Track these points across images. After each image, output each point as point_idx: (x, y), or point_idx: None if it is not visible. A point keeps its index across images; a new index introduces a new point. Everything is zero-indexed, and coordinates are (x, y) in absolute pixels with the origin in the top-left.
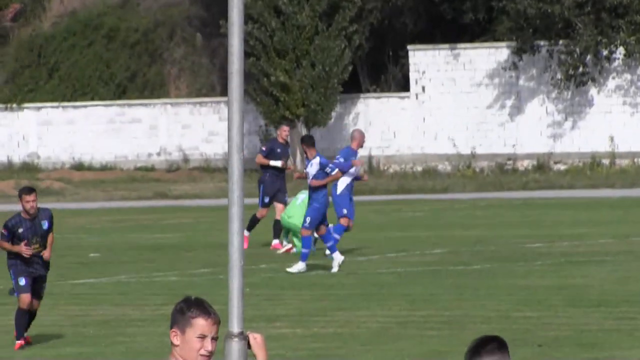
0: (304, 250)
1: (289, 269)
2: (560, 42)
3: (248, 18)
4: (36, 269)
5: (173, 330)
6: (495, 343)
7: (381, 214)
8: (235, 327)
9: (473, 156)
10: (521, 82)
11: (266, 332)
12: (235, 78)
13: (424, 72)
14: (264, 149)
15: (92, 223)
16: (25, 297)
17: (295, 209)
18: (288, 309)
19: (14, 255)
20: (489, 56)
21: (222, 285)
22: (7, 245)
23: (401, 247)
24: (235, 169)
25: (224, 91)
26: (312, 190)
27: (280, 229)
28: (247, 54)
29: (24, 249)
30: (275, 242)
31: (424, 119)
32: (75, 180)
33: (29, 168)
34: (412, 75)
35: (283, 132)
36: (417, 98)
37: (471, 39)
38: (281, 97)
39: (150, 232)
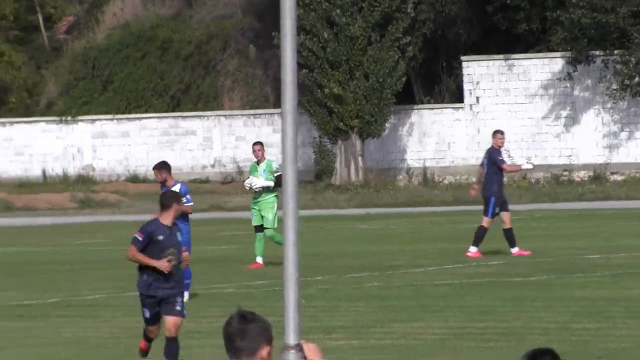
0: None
1: None
2: (616, 52)
3: (301, 29)
4: (171, 286)
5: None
6: (548, 356)
7: (437, 225)
8: (291, 339)
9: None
10: (576, 92)
11: (323, 343)
12: (289, 89)
13: (478, 83)
14: None
15: None
16: (151, 330)
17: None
18: (344, 320)
19: (148, 271)
20: (543, 66)
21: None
22: (143, 257)
23: (457, 258)
24: (289, 181)
25: (278, 103)
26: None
27: (513, 237)
28: (300, 66)
29: (165, 265)
30: (515, 250)
31: (478, 130)
32: (130, 192)
33: (84, 180)
34: (466, 86)
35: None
36: (471, 109)
37: (525, 50)
38: (335, 109)
39: (205, 243)
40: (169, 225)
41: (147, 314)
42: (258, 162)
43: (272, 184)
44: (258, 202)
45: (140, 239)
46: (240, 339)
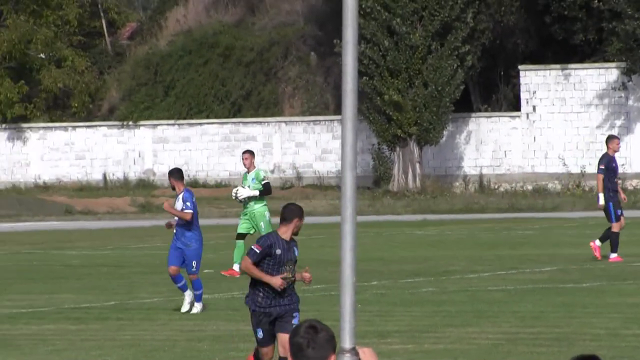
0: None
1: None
2: None
3: (362, 38)
4: (287, 302)
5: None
6: None
7: (492, 232)
8: (347, 342)
9: (583, 175)
10: (630, 102)
11: (378, 347)
12: (349, 97)
13: (534, 92)
14: None
15: (206, 240)
16: (265, 353)
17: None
18: (399, 325)
19: (262, 287)
20: (598, 76)
21: (334, 302)
22: (257, 271)
23: (511, 264)
24: (348, 187)
25: (338, 109)
26: (181, 230)
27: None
28: (360, 73)
29: (278, 282)
30: (613, 255)
31: (534, 138)
32: None
33: (144, 185)
34: (523, 95)
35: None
36: (527, 117)
37: (581, 60)
38: (394, 116)
39: None
40: (287, 239)
41: (260, 334)
42: (248, 171)
43: (257, 193)
44: (248, 211)
45: (257, 251)
46: (311, 348)
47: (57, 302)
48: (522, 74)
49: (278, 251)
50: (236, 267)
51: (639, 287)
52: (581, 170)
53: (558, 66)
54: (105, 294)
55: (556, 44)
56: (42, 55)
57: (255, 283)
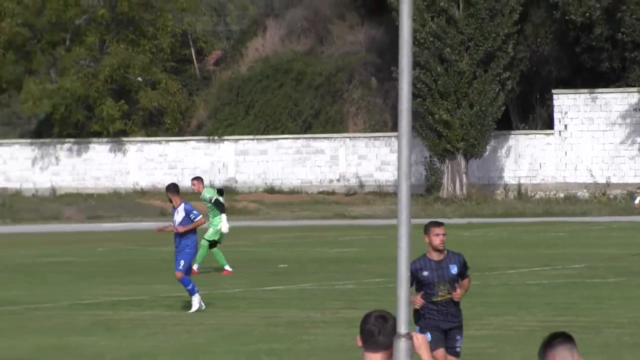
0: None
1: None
2: None
3: (416, 64)
4: (448, 319)
5: (359, 335)
6: (563, 337)
7: (529, 233)
8: (402, 328)
9: (608, 185)
10: None
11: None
12: (405, 116)
13: (566, 113)
14: None
15: (281, 239)
16: (436, 354)
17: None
18: None
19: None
20: (622, 99)
21: (391, 293)
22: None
23: (546, 262)
24: (403, 194)
25: (395, 127)
26: (181, 236)
27: None
28: (414, 95)
29: (418, 301)
30: None
31: (565, 153)
32: (267, 202)
33: (227, 191)
34: (556, 115)
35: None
36: (560, 135)
37: (607, 85)
38: (444, 132)
39: (330, 246)
40: (437, 259)
41: (429, 337)
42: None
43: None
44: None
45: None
46: (381, 335)
47: (153, 292)
48: (555, 97)
49: (425, 273)
50: (227, 267)
51: None
52: (606, 181)
53: (586, 90)
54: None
55: (585, 71)
56: (140, 79)
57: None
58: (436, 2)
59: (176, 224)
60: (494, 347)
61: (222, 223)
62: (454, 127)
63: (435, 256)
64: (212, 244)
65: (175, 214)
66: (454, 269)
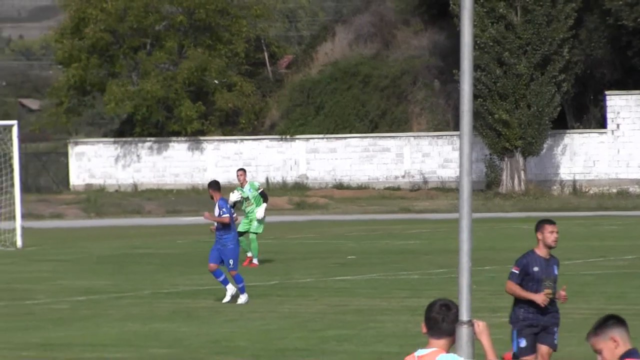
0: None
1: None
2: None
3: (476, 67)
4: (547, 318)
5: (424, 323)
6: (616, 319)
7: (583, 227)
8: (464, 316)
9: None
10: None
11: (490, 321)
12: (466, 116)
13: (618, 113)
14: None
15: (349, 232)
16: None
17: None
18: (507, 302)
19: (525, 305)
20: None
21: (453, 283)
22: (520, 290)
23: (599, 253)
24: (465, 189)
25: (456, 126)
26: (220, 233)
27: None
28: (475, 96)
29: (542, 298)
30: None
31: (618, 151)
32: (336, 197)
33: (299, 187)
34: (609, 115)
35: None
36: (612, 134)
37: None
38: (502, 132)
39: (396, 239)
40: (545, 257)
41: (523, 343)
42: (242, 186)
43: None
44: (248, 214)
45: (517, 272)
46: (445, 322)
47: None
48: (608, 98)
49: (535, 269)
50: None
51: None
52: None
53: (638, 92)
54: (268, 275)
55: (636, 73)
56: (216, 81)
57: (518, 301)
58: (496, 9)
59: (212, 215)
60: None
61: (261, 209)
62: (512, 126)
63: (544, 254)
64: (241, 233)
65: (217, 208)
66: (555, 270)
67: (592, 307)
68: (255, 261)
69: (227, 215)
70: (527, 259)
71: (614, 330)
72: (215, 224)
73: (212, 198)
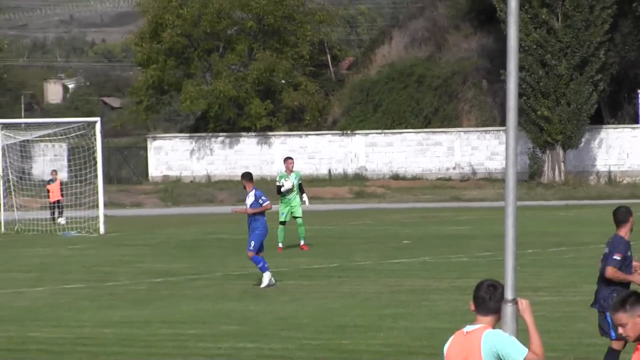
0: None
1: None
2: None
3: (521, 68)
4: None
5: (472, 301)
6: (635, 296)
7: None
8: (509, 295)
9: None
10: None
11: (532, 299)
12: (512, 113)
13: None
14: None
15: (405, 218)
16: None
17: None
18: (548, 282)
19: (617, 288)
20: None
21: (499, 265)
22: (622, 274)
23: (633, 237)
24: (510, 179)
25: (503, 122)
26: (252, 218)
27: None
28: (520, 95)
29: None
30: None
31: None
32: (392, 187)
33: (358, 178)
34: None
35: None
36: None
37: None
38: (544, 127)
39: (447, 225)
40: (628, 240)
41: (613, 336)
42: (289, 172)
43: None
44: (289, 201)
45: (618, 258)
46: (492, 301)
47: (295, 264)
48: None
49: (629, 252)
50: (281, 245)
51: None
52: None
53: None
54: (330, 258)
55: None
56: (283, 81)
57: (609, 285)
58: (539, 15)
59: (248, 206)
60: (585, 312)
61: (305, 197)
62: (553, 122)
63: (628, 237)
64: (283, 222)
65: (247, 198)
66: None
67: None
68: (304, 243)
69: (269, 202)
70: (624, 245)
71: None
72: (244, 208)
73: (245, 188)
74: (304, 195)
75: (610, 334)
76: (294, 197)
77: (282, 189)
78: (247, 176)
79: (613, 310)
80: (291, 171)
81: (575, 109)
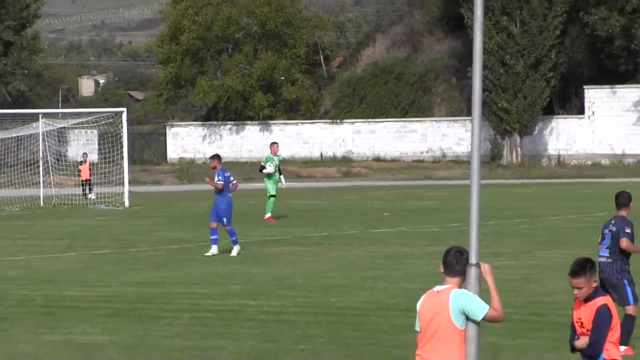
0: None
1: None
2: None
3: (485, 67)
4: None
5: (441, 265)
6: (593, 263)
7: (565, 191)
8: (473, 259)
9: (623, 155)
10: None
11: (492, 263)
12: (476, 105)
13: (593, 102)
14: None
15: (384, 195)
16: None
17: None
18: (506, 249)
19: (627, 259)
20: (634, 93)
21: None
22: (634, 246)
23: (577, 211)
24: (475, 161)
25: (469, 113)
26: (219, 194)
27: None
28: (483, 90)
29: None
30: None
31: (593, 132)
32: (374, 167)
33: (345, 160)
34: (586, 104)
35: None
36: (589, 119)
37: (623, 82)
38: (504, 117)
39: (421, 200)
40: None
41: (637, 291)
42: (274, 155)
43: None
44: (274, 179)
45: (629, 232)
46: (459, 265)
47: (290, 233)
48: (585, 91)
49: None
50: (268, 215)
51: None
52: (622, 152)
53: (608, 86)
54: (321, 228)
55: (608, 72)
56: (282, 78)
57: (623, 256)
58: (500, 22)
59: (217, 182)
60: (540, 274)
61: (283, 179)
62: (511, 113)
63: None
64: (274, 195)
65: (216, 175)
66: None
67: (571, 253)
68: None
69: (221, 182)
70: (629, 222)
71: (595, 274)
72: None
73: (213, 168)
74: (281, 176)
75: (629, 300)
76: (277, 176)
77: (264, 171)
78: (217, 157)
79: (573, 275)
80: (275, 154)
81: (530, 101)
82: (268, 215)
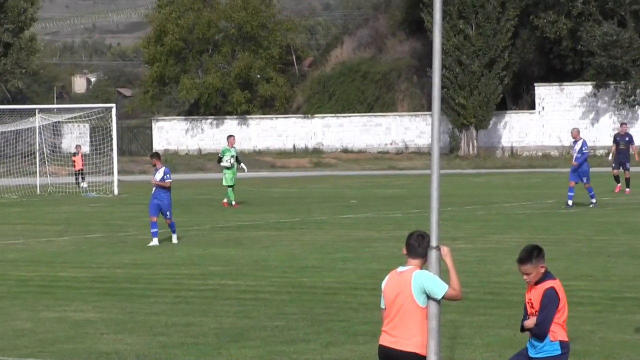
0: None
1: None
2: (622, 82)
3: (443, 66)
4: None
5: (404, 247)
6: (540, 249)
7: (518, 180)
8: (434, 242)
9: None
10: (599, 104)
11: (451, 246)
12: (436, 101)
13: (543, 99)
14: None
15: (352, 183)
16: None
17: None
18: (464, 233)
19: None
20: (580, 90)
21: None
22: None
23: (529, 198)
24: (435, 153)
25: (429, 108)
26: (161, 190)
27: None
28: (442, 87)
29: None
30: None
31: (543, 125)
32: (343, 158)
33: (316, 151)
34: (537, 101)
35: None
36: (539, 114)
37: (571, 80)
38: (461, 112)
39: (385, 188)
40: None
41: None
42: (231, 147)
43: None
44: (232, 171)
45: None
46: (420, 247)
47: (266, 219)
48: (536, 88)
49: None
50: (233, 202)
51: None
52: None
53: (557, 84)
54: (294, 213)
55: (556, 70)
56: (258, 76)
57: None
58: (457, 25)
59: (157, 180)
60: (496, 255)
61: (244, 165)
62: (468, 108)
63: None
64: (232, 186)
65: (156, 173)
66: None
67: (523, 237)
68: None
69: (170, 180)
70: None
71: (542, 260)
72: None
73: (154, 166)
74: (242, 164)
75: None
76: (236, 167)
77: (222, 163)
78: (157, 155)
79: (521, 262)
80: (232, 146)
81: (485, 98)
82: (227, 200)
